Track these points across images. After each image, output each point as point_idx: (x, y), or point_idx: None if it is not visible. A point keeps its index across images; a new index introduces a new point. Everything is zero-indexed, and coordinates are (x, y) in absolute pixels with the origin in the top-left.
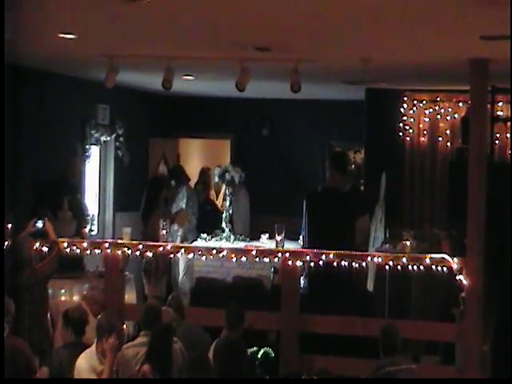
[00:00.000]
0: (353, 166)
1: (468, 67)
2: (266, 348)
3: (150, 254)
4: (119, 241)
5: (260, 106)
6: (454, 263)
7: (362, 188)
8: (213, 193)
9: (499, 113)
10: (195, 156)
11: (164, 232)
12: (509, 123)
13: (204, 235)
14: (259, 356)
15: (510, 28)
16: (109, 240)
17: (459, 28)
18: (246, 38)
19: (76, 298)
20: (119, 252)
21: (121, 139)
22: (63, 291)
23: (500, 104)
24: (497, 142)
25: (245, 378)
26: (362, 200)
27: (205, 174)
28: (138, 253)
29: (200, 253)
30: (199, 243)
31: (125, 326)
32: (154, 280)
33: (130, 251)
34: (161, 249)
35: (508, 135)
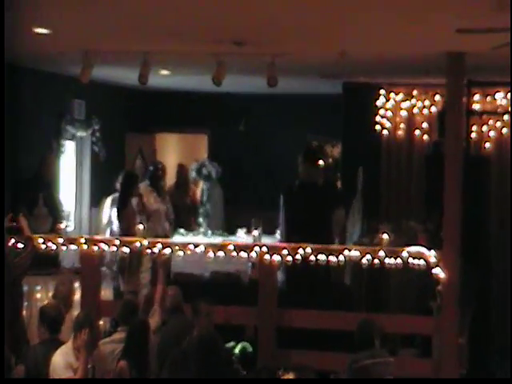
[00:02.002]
0: (330, 160)
1: (444, 61)
2: (243, 343)
3: (126, 250)
4: (95, 236)
5: (237, 100)
6: (431, 256)
7: (340, 181)
8: (193, 187)
9: (475, 106)
10: (172, 151)
11: (141, 227)
12: (484, 116)
13: (181, 230)
14: (237, 351)
15: (510, 23)
16: (85, 236)
17: (435, 21)
18: (222, 32)
19: (51, 294)
20: (95, 248)
21: (97, 134)
22: (39, 288)
23: (476, 97)
24: (473, 135)
25: (245, 378)
26: (337, 193)
27: (181, 170)
28: (114, 248)
29: (177, 248)
30: (176, 238)
31: (101, 322)
32: (128, 275)
33: (106, 247)
34: (137, 244)
35: (484, 128)
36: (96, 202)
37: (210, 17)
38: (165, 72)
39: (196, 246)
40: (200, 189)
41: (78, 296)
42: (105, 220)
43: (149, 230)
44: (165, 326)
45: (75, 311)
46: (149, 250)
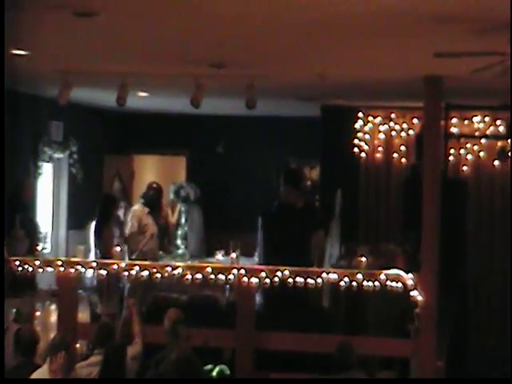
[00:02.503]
0: (308, 182)
1: (422, 84)
2: (221, 365)
3: (103, 272)
4: (72, 259)
5: (215, 122)
6: (409, 279)
7: (318, 204)
8: (168, 210)
9: (453, 129)
10: (150, 173)
11: (118, 249)
12: (462, 139)
13: (160, 252)
14: (214, 374)
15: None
16: (62, 258)
17: (413, 45)
18: (200, 54)
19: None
20: (72, 270)
21: (74, 156)
22: (15, 310)
23: (454, 121)
24: (450, 158)
25: (245, 378)
26: (316, 216)
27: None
28: (91, 271)
29: (155, 270)
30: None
31: (78, 345)
32: (106, 298)
33: (83, 269)
34: (115, 266)
35: (462, 151)
36: (73, 224)
37: (189, 39)
38: (143, 94)
39: (174, 268)
40: (178, 211)
41: (54, 318)
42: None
43: (148, 252)
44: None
45: (51, 334)
46: (126, 273)
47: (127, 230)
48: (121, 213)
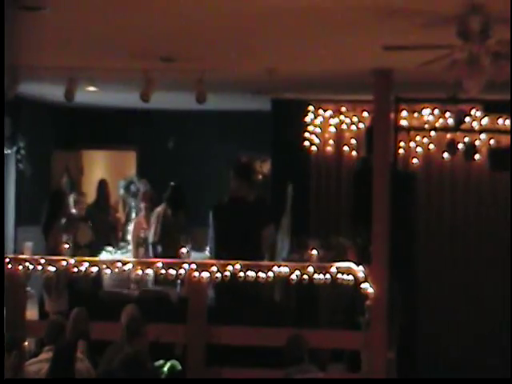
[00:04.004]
0: (259, 176)
1: (372, 77)
2: (172, 361)
3: (52, 269)
4: (20, 256)
5: (166, 117)
6: (359, 272)
7: (269, 198)
8: (118, 205)
9: (402, 122)
10: (100, 168)
11: (67, 246)
12: (411, 132)
13: (109, 248)
14: (165, 369)
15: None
16: (10, 255)
17: (362, 38)
18: (149, 48)
19: None
20: (20, 267)
21: (22, 152)
22: None
23: (403, 114)
24: (400, 151)
25: (245, 378)
26: (267, 210)
27: (102, 186)
28: (40, 268)
29: (104, 266)
30: (104, 256)
31: (26, 343)
32: (55, 295)
33: (31, 266)
34: (64, 263)
35: (412, 144)
36: (21, 220)
37: (138, 33)
38: (92, 88)
39: (124, 263)
40: (128, 206)
41: None
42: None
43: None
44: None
45: None
46: (75, 269)
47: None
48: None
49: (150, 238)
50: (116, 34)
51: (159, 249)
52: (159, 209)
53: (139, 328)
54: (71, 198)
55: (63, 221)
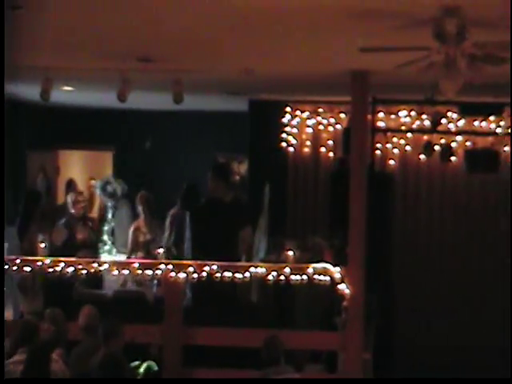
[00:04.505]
0: (237, 177)
1: (349, 79)
2: (148, 362)
3: (28, 269)
4: None
5: (142, 117)
6: (336, 272)
7: (246, 199)
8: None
9: (379, 124)
10: (76, 168)
11: (42, 246)
12: (388, 133)
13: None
14: (141, 370)
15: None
16: None
17: (339, 40)
18: (126, 48)
19: None
20: None
21: None
22: None
23: (380, 115)
24: (377, 152)
25: (244, 378)
26: (244, 210)
27: (71, 186)
28: (15, 268)
29: (80, 266)
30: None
31: None
32: (30, 295)
33: (7, 266)
34: (39, 263)
35: (388, 145)
36: None
37: (115, 33)
38: (68, 88)
39: (100, 264)
40: (104, 206)
41: None
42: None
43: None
44: (77, 347)
45: None
46: (51, 269)
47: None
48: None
49: (165, 242)
50: (92, 33)
51: (174, 252)
52: (173, 211)
53: (115, 329)
54: (69, 198)
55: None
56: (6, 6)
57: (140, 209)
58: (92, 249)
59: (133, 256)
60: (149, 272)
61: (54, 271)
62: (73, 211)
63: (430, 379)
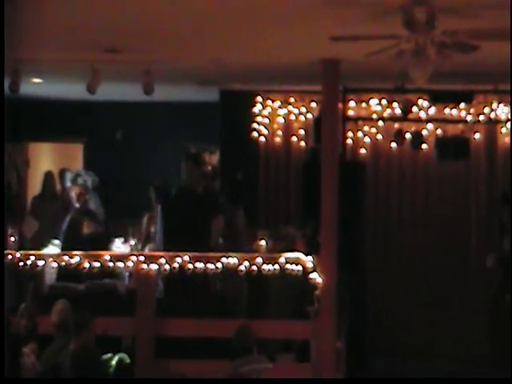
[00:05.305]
0: (209, 168)
1: (319, 68)
2: (120, 354)
3: None
4: None
5: (113, 108)
6: (308, 261)
7: (218, 189)
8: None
9: (350, 112)
10: (46, 161)
11: (12, 239)
12: (359, 122)
13: (56, 241)
14: (114, 362)
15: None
16: None
17: (309, 29)
18: (95, 39)
19: None
20: None
21: None
22: None
23: (351, 104)
24: (348, 141)
25: (242, 379)
26: (216, 201)
27: (48, 179)
28: None
29: (51, 260)
30: (51, 250)
31: None
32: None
33: None
34: (9, 257)
35: (360, 134)
36: None
37: (83, 24)
38: (37, 80)
39: (71, 256)
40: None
41: None
42: None
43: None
44: (52, 344)
45: None
46: (21, 263)
47: None
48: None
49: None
50: (61, 25)
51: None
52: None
53: (86, 321)
54: (73, 193)
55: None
56: None
57: (153, 198)
58: (101, 242)
59: (145, 248)
60: (120, 264)
61: (25, 265)
62: (77, 205)
63: (434, 379)
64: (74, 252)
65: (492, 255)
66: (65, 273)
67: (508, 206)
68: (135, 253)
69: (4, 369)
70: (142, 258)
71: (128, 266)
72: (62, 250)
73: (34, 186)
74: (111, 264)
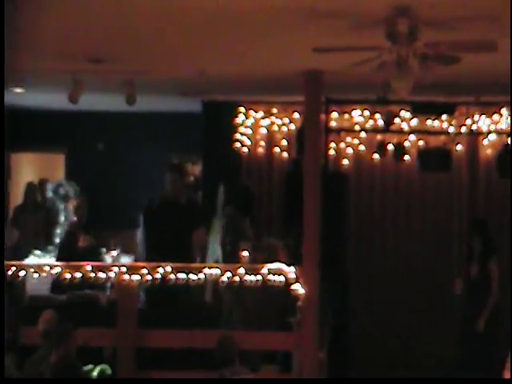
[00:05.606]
0: (191, 178)
1: (302, 79)
2: (102, 365)
3: None
4: None
5: (95, 119)
6: (290, 272)
7: (201, 200)
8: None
9: (333, 123)
10: (27, 171)
11: None
12: (342, 133)
13: (37, 252)
14: (95, 374)
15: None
16: None
17: (292, 40)
18: (77, 49)
19: None
20: None
21: None
22: None
23: (334, 115)
24: (331, 152)
25: (242, 378)
26: (198, 212)
27: (30, 189)
28: None
29: (32, 270)
30: (32, 260)
31: None
32: None
33: None
34: None
35: (342, 145)
36: None
37: (65, 33)
38: (19, 90)
39: (52, 267)
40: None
41: None
42: None
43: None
44: (36, 353)
45: None
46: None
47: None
48: None
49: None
50: (43, 34)
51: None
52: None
53: (67, 332)
54: (71, 205)
55: None
56: None
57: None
58: (95, 256)
59: None
60: (102, 275)
61: (6, 275)
62: (75, 218)
63: (433, 379)
64: (55, 263)
65: (460, 280)
66: (59, 284)
67: (477, 233)
68: (117, 263)
69: (4, 368)
70: (123, 269)
71: (110, 277)
72: (57, 261)
73: (15, 197)
74: (93, 275)
